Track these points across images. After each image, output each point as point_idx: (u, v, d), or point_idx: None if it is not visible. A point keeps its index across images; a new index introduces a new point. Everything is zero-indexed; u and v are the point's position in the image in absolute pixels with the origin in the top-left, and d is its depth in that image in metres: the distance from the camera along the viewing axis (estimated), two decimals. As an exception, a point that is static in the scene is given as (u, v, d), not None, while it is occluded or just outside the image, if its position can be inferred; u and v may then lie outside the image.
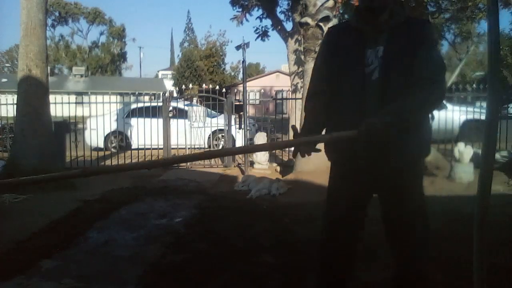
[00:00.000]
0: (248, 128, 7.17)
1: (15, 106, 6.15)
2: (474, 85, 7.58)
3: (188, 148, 7.85)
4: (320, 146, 1.71)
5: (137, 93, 9.36)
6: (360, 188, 1.78)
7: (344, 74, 1.70)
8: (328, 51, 1.80)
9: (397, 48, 1.64)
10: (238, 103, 8.13)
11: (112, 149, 9.41)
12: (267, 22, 13.20)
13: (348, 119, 1.67)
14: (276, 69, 34.08)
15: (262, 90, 31.44)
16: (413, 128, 1.67)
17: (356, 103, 1.67)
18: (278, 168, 6.83)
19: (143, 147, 7.85)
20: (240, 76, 34.79)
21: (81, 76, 35.01)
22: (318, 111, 1.80)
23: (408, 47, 1.63)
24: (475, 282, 1.24)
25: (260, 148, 3.18)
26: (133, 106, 9.70)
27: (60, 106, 7.32)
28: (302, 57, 6.86)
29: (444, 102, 9.58)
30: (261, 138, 6.96)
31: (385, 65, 1.63)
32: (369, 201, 1.85)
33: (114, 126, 8.91)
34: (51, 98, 6.17)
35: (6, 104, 7.68)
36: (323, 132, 1.80)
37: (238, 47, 6.79)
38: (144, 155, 7.75)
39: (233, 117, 8.09)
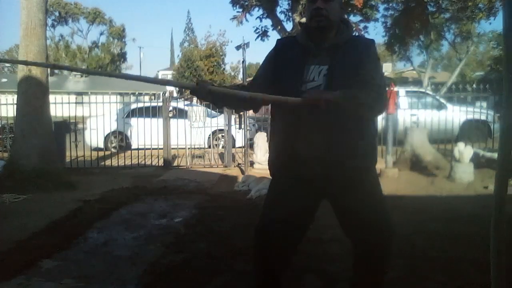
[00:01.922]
0: (248, 128, 7.17)
1: (15, 106, 6.15)
2: (474, 85, 7.58)
3: (188, 148, 7.86)
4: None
5: (137, 93, 9.36)
6: (305, 197, 1.78)
7: (283, 88, 1.70)
8: (271, 62, 1.84)
9: (342, 66, 1.67)
10: (238, 103, 8.10)
11: (112, 149, 9.41)
12: (267, 22, 13.21)
13: (287, 132, 1.74)
14: (276, 69, 33.97)
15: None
16: (358, 129, 1.72)
17: (293, 119, 1.70)
18: (278, 168, 6.82)
19: (143, 147, 7.85)
20: (240, 76, 34.76)
21: (81, 76, 35.00)
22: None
23: (353, 65, 1.67)
24: (493, 283, 1.23)
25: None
26: (133, 106, 9.70)
27: (60, 106, 7.31)
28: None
29: (444, 102, 9.60)
30: (261, 138, 6.96)
31: (330, 83, 1.65)
32: (312, 212, 1.86)
33: (114, 126, 8.91)
34: (51, 98, 6.17)
35: (6, 104, 7.67)
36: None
37: (238, 47, 6.78)
38: (144, 155, 7.75)
39: (233, 117, 8.09)
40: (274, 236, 1.78)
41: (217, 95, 1.77)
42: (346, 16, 8.98)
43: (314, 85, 1.68)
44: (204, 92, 1.71)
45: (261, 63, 1.93)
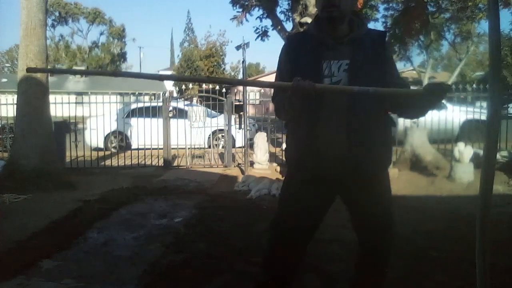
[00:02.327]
0: (248, 128, 7.17)
1: (15, 106, 6.15)
2: (474, 85, 7.57)
3: (188, 148, 7.86)
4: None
5: (137, 93, 9.36)
6: (323, 194, 1.78)
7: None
8: (289, 60, 1.77)
9: (364, 61, 1.65)
10: (238, 103, 8.13)
11: (112, 149, 9.42)
12: (267, 22, 13.23)
13: (308, 130, 1.69)
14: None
15: (262, 90, 31.39)
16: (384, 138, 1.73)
17: (315, 118, 1.67)
18: (278, 168, 6.83)
19: (143, 147, 7.85)
20: (240, 76, 34.76)
21: (81, 76, 35.00)
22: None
23: (374, 60, 1.66)
24: (478, 283, 1.24)
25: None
26: (133, 106, 9.70)
27: (60, 106, 7.32)
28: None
29: (444, 102, 9.59)
30: (261, 138, 6.96)
31: (353, 78, 1.63)
32: (327, 209, 1.86)
33: (114, 126, 8.91)
34: (51, 98, 6.17)
35: (6, 104, 7.67)
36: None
37: (238, 47, 6.78)
38: (144, 155, 7.75)
39: (233, 117, 8.09)
40: (290, 232, 1.80)
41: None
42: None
43: (335, 81, 1.65)
44: (308, 90, 1.53)
45: (278, 68, 1.84)
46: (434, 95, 1.52)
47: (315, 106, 1.65)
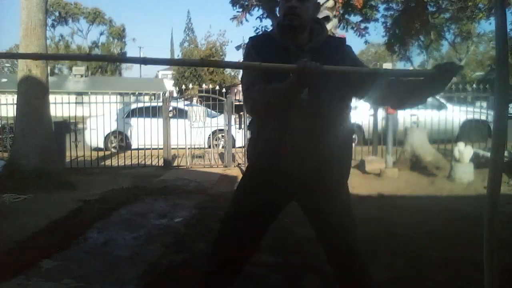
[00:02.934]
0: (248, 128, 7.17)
1: (15, 106, 6.15)
2: (474, 85, 7.58)
3: (188, 148, 7.85)
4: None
5: (137, 93, 9.36)
6: (279, 195, 1.79)
7: None
8: (262, 60, 1.72)
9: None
10: (238, 103, 8.13)
11: (112, 149, 9.41)
12: (267, 22, 13.19)
13: (274, 135, 1.69)
14: (276, 69, 33.99)
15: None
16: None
17: (282, 120, 1.67)
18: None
19: (143, 147, 7.85)
20: (240, 76, 34.74)
21: (81, 76, 35.00)
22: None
23: (333, 65, 1.62)
24: (486, 283, 1.24)
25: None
26: (133, 106, 9.70)
27: (60, 106, 7.31)
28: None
29: (444, 102, 9.59)
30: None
31: (314, 84, 1.60)
32: (280, 211, 1.87)
33: (114, 126, 8.91)
34: (51, 98, 6.17)
35: (6, 104, 7.67)
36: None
37: (238, 47, 6.80)
38: (144, 155, 7.75)
39: (233, 117, 8.08)
40: (241, 227, 1.82)
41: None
42: (337, 16, 8.94)
43: None
44: (315, 73, 1.48)
45: (245, 74, 1.81)
46: (447, 72, 1.55)
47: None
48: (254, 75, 1.71)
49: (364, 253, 1.87)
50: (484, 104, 9.29)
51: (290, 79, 1.54)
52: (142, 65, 50.24)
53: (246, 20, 12.11)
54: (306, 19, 1.70)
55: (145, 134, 7.47)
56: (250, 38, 1.85)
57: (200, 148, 8.41)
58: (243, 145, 7.25)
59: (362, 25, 11.34)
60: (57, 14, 41.74)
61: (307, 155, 1.68)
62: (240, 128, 8.27)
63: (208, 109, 8.89)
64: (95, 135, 8.61)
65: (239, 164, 7.61)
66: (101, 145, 9.31)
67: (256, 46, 1.77)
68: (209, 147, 8.57)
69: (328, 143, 1.68)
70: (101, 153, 8.61)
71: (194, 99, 11.43)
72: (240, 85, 2.26)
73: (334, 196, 1.78)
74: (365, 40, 11.68)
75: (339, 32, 9.51)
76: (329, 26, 6.36)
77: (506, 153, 6.26)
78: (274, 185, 1.75)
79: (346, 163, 1.81)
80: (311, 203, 1.81)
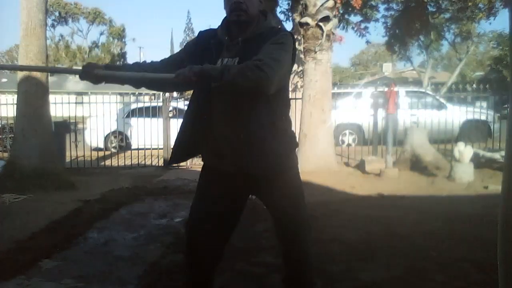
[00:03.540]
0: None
1: (15, 106, 6.15)
2: (474, 85, 7.58)
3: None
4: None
5: (137, 93, 9.35)
6: (231, 193, 1.82)
7: None
8: (187, 52, 1.86)
9: (250, 56, 1.62)
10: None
11: (112, 149, 9.41)
12: (267, 22, 13.20)
13: (195, 121, 1.76)
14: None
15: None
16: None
17: (204, 107, 1.72)
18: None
19: (143, 147, 7.84)
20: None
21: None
22: (149, 64, 1.90)
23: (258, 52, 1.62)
24: (500, 285, 1.22)
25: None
26: (133, 106, 9.70)
27: (60, 106, 7.31)
28: (302, 56, 6.85)
29: (444, 102, 9.59)
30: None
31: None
32: (242, 207, 1.92)
33: (114, 126, 8.91)
34: (51, 98, 6.17)
35: (6, 104, 7.67)
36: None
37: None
38: (144, 155, 7.75)
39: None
40: (201, 231, 1.83)
41: (111, 78, 1.87)
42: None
43: None
44: (91, 77, 1.79)
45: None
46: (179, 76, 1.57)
47: (205, 101, 1.72)
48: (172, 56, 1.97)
49: (312, 254, 1.97)
50: (484, 104, 9.29)
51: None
52: (142, 65, 50.26)
53: (246, 20, 12.16)
54: (253, 13, 1.70)
55: (145, 134, 7.47)
56: (199, 31, 1.91)
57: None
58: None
59: (362, 25, 11.36)
60: (57, 14, 41.68)
61: (225, 150, 1.71)
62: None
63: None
64: (95, 135, 8.62)
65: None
66: (101, 145, 9.31)
67: (200, 38, 1.86)
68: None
69: (246, 136, 1.66)
70: (101, 153, 8.61)
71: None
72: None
73: (275, 190, 1.80)
74: (366, 40, 11.70)
75: (339, 32, 9.51)
76: (329, 26, 6.35)
77: None
78: (219, 181, 1.79)
79: (274, 156, 1.72)
80: (261, 198, 1.88)
